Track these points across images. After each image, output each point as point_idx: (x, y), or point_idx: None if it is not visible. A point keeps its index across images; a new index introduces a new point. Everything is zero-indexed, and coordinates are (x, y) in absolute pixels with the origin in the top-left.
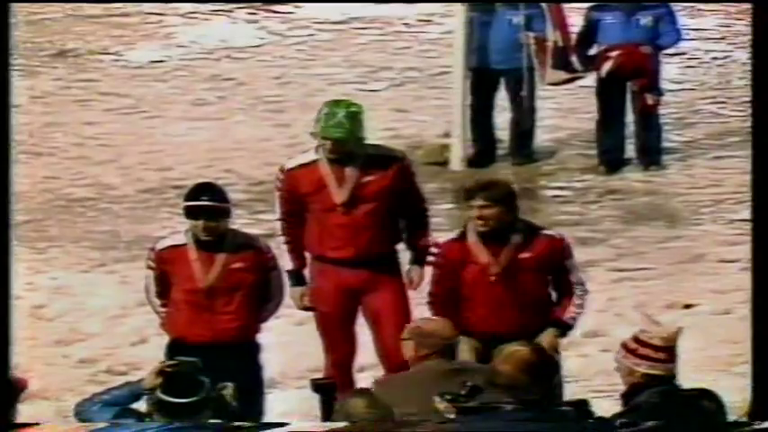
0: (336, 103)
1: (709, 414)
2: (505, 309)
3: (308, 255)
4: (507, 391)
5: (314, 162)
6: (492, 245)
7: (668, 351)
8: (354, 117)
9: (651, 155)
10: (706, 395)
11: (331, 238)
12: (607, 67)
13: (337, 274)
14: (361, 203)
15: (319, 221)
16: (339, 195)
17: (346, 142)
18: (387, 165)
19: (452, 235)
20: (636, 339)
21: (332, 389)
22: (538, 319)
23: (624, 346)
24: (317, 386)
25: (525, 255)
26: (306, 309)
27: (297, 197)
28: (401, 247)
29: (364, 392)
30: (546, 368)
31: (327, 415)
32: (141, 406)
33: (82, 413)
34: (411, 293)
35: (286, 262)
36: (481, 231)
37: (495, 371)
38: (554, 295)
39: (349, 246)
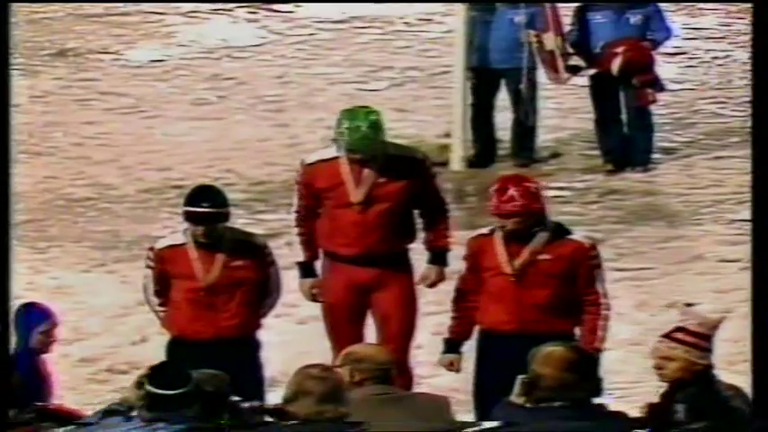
0: (355, 114)
1: (739, 414)
2: (523, 309)
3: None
4: (555, 392)
5: (334, 159)
6: (514, 243)
7: (705, 338)
8: (377, 126)
9: (642, 155)
10: (738, 393)
11: (342, 235)
12: (618, 63)
13: (347, 271)
14: (376, 203)
15: (332, 218)
16: (356, 195)
17: (372, 150)
18: (405, 166)
19: (483, 230)
20: (675, 327)
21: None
22: (557, 322)
23: (663, 335)
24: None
25: (545, 256)
26: (314, 300)
27: (313, 191)
28: (415, 246)
29: (318, 365)
30: (586, 364)
31: None
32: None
33: None
34: (420, 292)
35: (298, 253)
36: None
37: (536, 375)
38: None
39: (359, 243)
